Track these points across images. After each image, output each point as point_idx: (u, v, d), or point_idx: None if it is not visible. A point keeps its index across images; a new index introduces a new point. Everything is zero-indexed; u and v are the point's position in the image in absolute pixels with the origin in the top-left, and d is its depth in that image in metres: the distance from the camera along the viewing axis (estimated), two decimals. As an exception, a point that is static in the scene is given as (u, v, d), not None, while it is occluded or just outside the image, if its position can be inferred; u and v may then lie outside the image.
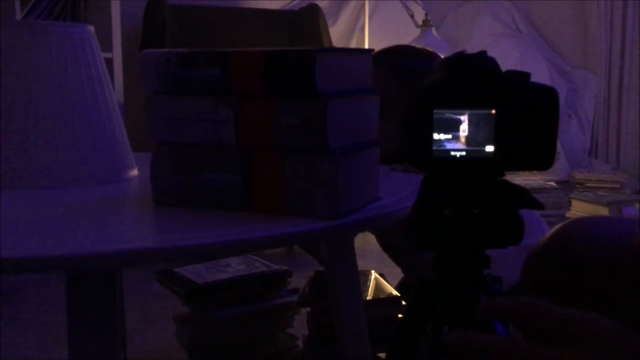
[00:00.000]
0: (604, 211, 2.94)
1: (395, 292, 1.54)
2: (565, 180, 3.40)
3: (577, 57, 3.83)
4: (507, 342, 0.44)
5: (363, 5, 3.41)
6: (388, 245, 1.29)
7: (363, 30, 3.40)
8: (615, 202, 3.00)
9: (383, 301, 1.50)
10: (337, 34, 3.47)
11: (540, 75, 3.56)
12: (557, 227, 0.78)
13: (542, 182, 3.24)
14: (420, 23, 3.32)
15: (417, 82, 0.54)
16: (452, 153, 0.54)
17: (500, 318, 0.49)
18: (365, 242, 2.94)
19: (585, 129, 3.77)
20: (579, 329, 0.43)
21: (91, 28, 0.93)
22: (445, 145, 0.54)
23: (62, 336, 1.69)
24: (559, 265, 0.72)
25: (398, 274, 1.61)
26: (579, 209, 3.06)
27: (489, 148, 0.54)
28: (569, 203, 3.12)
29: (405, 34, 3.31)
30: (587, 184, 3.33)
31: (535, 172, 2.65)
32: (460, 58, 0.55)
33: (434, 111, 0.53)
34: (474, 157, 0.54)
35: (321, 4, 3.18)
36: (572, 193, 3.20)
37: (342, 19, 3.53)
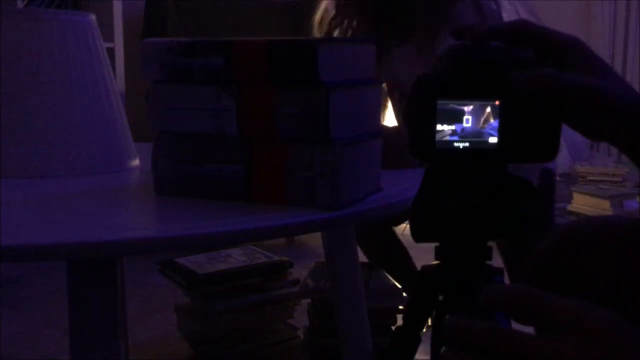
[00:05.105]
0: (605, 204, 2.94)
1: (395, 284, 1.54)
2: (567, 173, 3.39)
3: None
4: (502, 329, 0.44)
5: (365, -4, 3.40)
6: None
7: (365, 21, 3.38)
8: (616, 196, 2.99)
9: (383, 292, 1.50)
10: (339, 25, 3.45)
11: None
12: (561, 227, 0.77)
13: (543, 174, 3.23)
14: (422, 15, 3.30)
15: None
16: (456, 144, 0.54)
17: (497, 306, 0.49)
18: (366, 234, 2.93)
19: (588, 122, 3.75)
20: (575, 319, 0.43)
21: (93, 17, 0.93)
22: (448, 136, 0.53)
23: (63, 325, 1.69)
24: (564, 266, 0.72)
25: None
26: (580, 202, 3.06)
27: (493, 139, 0.54)
28: (571, 196, 3.11)
29: (408, 26, 3.29)
30: (588, 177, 3.32)
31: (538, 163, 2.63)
32: (465, 48, 0.54)
33: (438, 102, 0.53)
34: (477, 149, 0.54)
35: (323, -5, 3.17)
36: (573, 186, 3.19)
37: (345, 9, 3.51)
